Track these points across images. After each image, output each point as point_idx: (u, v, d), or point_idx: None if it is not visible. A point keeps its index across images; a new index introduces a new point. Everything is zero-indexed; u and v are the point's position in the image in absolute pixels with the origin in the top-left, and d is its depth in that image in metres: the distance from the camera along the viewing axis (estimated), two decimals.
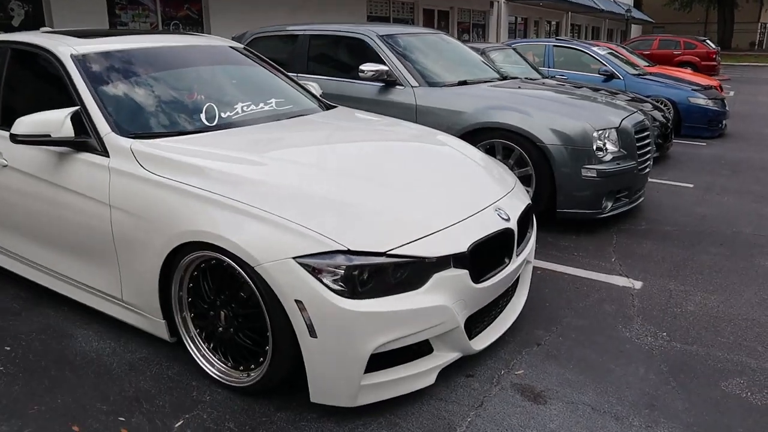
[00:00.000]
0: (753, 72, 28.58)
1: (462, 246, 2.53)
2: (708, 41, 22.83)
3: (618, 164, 4.69)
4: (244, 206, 2.47)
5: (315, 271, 2.30)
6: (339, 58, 5.84)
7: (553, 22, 29.79)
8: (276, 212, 2.43)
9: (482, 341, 2.80)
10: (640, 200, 5.28)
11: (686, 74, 12.78)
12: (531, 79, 8.13)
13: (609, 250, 4.46)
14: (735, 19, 47.38)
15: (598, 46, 11.06)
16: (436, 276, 2.46)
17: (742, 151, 8.75)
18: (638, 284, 3.86)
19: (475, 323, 2.77)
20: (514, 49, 9.55)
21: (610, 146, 4.73)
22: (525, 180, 4.73)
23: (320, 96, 4.47)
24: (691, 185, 6.57)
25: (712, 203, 5.85)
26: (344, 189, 2.65)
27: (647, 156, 5.14)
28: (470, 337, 2.71)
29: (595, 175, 4.55)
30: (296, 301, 2.31)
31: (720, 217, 5.39)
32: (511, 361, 2.93)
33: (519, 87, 5.46)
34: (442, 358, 2.60)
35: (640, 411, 2.57)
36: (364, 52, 5.52)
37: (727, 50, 43.01)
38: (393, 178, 2.84)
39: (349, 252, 2.33)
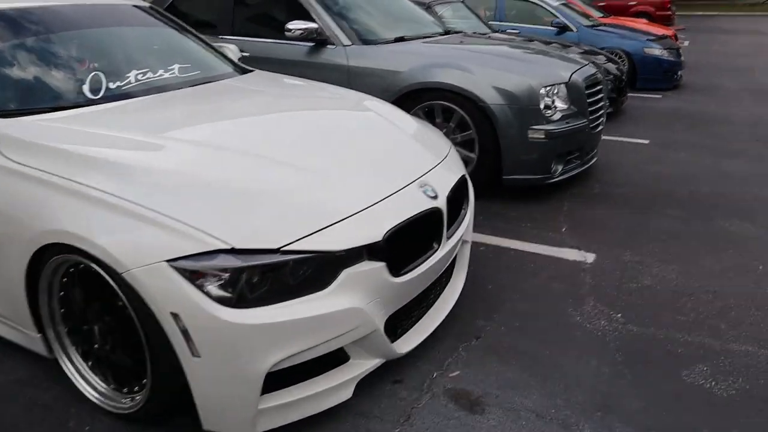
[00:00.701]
0: (707, 21, 28.51)
1: (377, 234, 2.12)
2: None
3: (568, 123, 4.31)
4: (114, 199, 2.01)
5: (194, 276, 1.87)
6: (266, 15, 5.29)
7: None
8: (152, 206, 1.97)
9: (409, 342, 2.40)
10: (594, 161, 4.93)
11: (641, 24, 12.46)
12: (480, 33, 7.70)
13: (560, 219, 4.11)
14: None
15: None
16: (346, 272, 2.05)
17: (699, 104, 8.49)
18: (590, 257, 3.52)
19: (400, 320, 2.38)
20: (463, 2, 9.06)
21: (559, 103, 4.34)
22: (468, 145, 4.33)
23: (239, 59, 3.98)
24: (647, 141, 6.26)
25: (669, 160, 5.55)
26: (241, 172, 2.20)
27: (600, 113, 4.78)
28: (394, 339, 2.32)
29: (543, 137, 4.16)
30: (172, 313, 1.88)
31: (677, 175, 5.09)
32: (446, 360, 2.56)
33: (461, 42, 5.01)
34: (360, 367, 2.21)
35: (591, 415, 2.23)
36: (293, 8, 4.97)
37: (681, 0, 42.91)
38: (302, 155, 2.40)
39: (234, 251, 1.90)
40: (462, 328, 2.77)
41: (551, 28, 9.62)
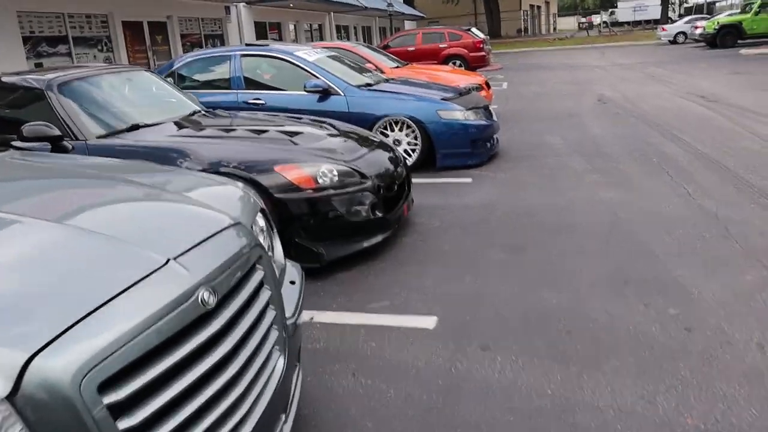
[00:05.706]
0: (524, 57, 27.77)
1: None
2: (473, 30, 20.92)
3: None
4: None
5: None
6: None
7: (315, 24, 26.73)
8: None
9: None
10: None
11: (443, 73, 9.92)
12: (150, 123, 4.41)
13: None
14: (500, 8, 48.19)
15: (310, 48, 7.62)
16: None
17: (521, 187, 5.75)
18: None
19: None
20: (150, 71, 5.78)
21: None
22: None
23: None
24: (432, 324, 3.16)
25: (468, 403, 2.48)
26: None
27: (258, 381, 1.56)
28: None
29: None
30: None
31: None
32: None
33: None
34: None
35: None
36: None
37: (497, 38, 43.34)
38: None
39: None
40: None
41: (307, 92, 6.60)
